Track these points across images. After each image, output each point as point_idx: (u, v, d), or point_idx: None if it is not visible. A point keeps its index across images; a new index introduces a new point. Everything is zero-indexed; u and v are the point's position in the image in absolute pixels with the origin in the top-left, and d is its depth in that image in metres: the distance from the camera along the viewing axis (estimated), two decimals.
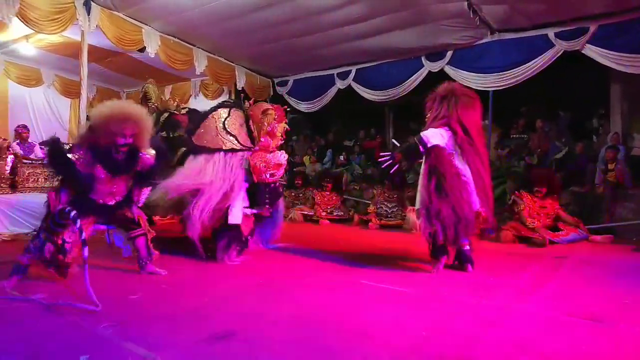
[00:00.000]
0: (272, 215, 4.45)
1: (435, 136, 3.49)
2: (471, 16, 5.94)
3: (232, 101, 4.64)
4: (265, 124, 4.25)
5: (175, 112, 5.13)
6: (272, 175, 4.19)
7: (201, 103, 8.37)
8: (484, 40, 6.64)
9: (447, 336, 2.24)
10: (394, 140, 3.82)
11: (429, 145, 3.46)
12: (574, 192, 6.41)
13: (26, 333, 2.24)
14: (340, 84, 8.28)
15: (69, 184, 3.24)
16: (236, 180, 4.04)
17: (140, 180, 3.52)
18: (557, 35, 6.08)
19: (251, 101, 4.61)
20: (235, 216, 4.02)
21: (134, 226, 3.51)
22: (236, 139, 4.17)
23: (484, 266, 3.89)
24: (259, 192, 4.20)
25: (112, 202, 3.39)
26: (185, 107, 5.27)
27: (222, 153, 4.08)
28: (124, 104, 3.68)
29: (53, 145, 3.18)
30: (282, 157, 4.26)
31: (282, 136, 4.39)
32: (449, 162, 3.45)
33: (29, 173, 5.93)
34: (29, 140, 7.42)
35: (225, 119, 4.20)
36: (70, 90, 9.02)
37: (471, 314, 2.59)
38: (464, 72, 6.80)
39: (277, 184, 4.37)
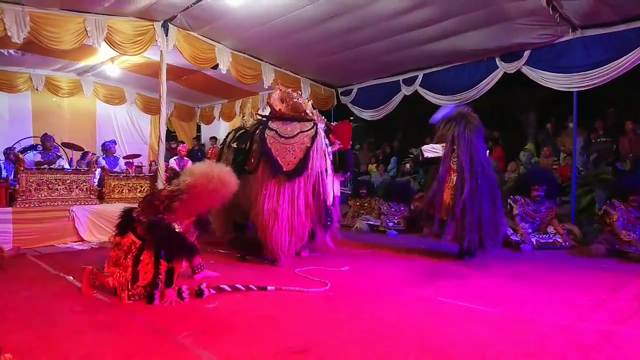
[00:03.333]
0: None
1: (427, 151, 4.71)
2: (550, 13, 5.53)
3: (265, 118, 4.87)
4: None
5: (248, 129, 5.28)
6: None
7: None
8: (564, 38, 6.13)
9: None
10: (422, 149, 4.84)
11: (424, 156, 4.71)
12: None
13: (112, 339, 2.36)
14: (406, 90, 8.08)
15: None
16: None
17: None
18: None
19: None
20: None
21: None
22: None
23: (575, 283, 3.56)
24: (347, 158, 4.63)
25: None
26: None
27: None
28: (219, 174, 3.35)
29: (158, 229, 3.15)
30: None
31: None
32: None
33: (114, 185, 6.39)
34: (114, 154, 8.03)
35: (276, 131, 4.42)
36: (151, 107, 9.71)
37: (566, 337, 2.34)
38: (544, 72, 6.32)
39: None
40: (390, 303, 3.03)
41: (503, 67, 6.74)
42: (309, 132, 4.29)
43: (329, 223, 4.51)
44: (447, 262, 4.52)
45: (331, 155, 4.47)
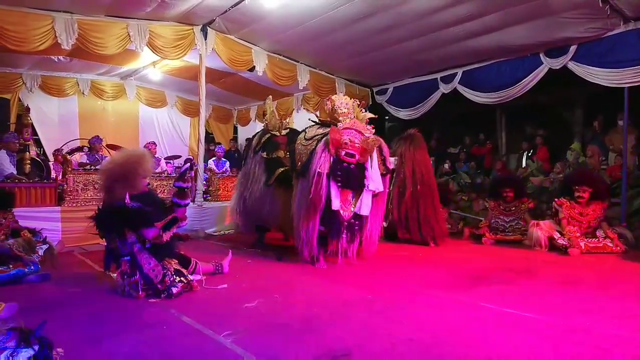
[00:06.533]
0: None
1: (390, 163, 5.02)
2: (600, 5, 5.24)
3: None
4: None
5: (275, 134, 5.36)
6: (348, 154, 4.13)
7: (303, 117, 8.59)
8: (615, 32, 5.78)
9: None
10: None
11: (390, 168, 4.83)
12: None
13: (156, 338, 2.41)
14: (444, 88, 7.87)
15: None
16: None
17: None
18: None
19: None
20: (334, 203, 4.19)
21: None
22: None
23: (631, 290, 3.35)
24: (332, 168, 4.15)
25: None
26: (287, 129, 5.50)
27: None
28: (131, 151, 4.13)
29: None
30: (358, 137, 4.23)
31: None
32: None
33: (156, 185, 6.57)
34: (156, 155, 8.27)
35: (305, 132, 4.58)
36: (190, 110, 9.98)
37: (624, 349, 2.18)
38: (592, 67, 5.99)
39: (352, 166, 4.17)
40: (431, 308, 2.94)
41: (547, 63, 6.45)
42: (321, 135, 4.33)
43: (345, 234, 4.31)
44: (490, 266, 4.36)
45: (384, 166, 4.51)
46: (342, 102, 4.51)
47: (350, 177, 4.17)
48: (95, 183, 5.99)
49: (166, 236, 3.42)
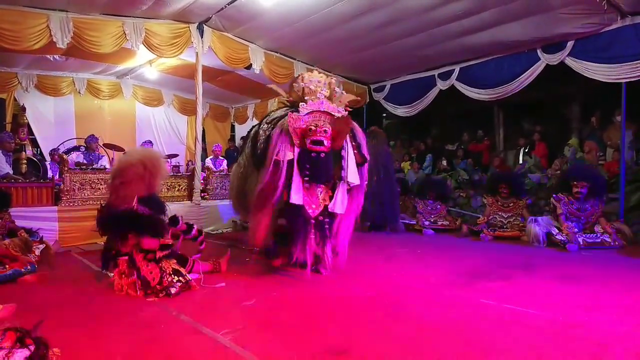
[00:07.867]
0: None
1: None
2: (597, 0, 5.25)
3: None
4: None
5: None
6: (314, 142, 3.55)
7: None
8: (612, 27, 5.78)
9: None
10: None
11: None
12: None
13: (154, 337, 2.39)
14: (441, 85, 7.87)
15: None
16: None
17: None
18: None
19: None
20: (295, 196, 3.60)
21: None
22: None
23: (630, 285, 3.35)
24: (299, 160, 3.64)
25: None
26: None
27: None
28: (148, 150, 4.23)
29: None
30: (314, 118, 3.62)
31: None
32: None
33: None
34: None
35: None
36: (187, 108, 9.94)
37: (625, 344, 2.18)
38: (589, 63, 5.99)
39: (322, 155, 3.57)
40: (430, 305, 2.93)
41: (545, 59, 6.45)
42: (279, 118, 3.94)
43: (313, 233, 3.69)
44: (488, 263, 4.36)
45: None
46: (314, 79, 3.96)
47: (319, 169, 3.60)
48: (92, 182, 5.95)
49: (159, 254, 3.31)
